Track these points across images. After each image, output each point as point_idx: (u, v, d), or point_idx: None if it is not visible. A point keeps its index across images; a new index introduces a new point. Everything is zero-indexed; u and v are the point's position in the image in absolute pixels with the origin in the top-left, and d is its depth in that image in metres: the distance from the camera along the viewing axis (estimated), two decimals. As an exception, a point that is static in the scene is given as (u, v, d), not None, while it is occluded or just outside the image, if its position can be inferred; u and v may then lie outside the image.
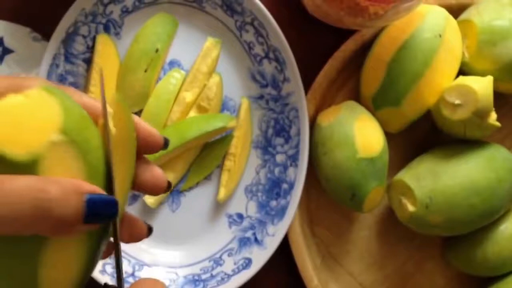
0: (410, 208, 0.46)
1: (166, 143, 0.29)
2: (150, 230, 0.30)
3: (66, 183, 0.22)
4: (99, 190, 0.23)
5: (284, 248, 0.49)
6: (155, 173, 0.29)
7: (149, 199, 0.48)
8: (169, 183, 0.30)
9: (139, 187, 0.29)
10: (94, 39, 0.47)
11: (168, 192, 0.49)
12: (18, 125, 0.22)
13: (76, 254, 0.24)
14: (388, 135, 0.49)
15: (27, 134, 0.23)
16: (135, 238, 0.30)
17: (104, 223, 0.24)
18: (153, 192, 0.29)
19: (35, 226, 0.21)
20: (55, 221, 0.22)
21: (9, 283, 0.23)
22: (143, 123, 0.29)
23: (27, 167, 0.22)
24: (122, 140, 0.27)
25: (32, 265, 0.23)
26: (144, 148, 0.29)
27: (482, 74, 0.47)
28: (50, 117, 0.23)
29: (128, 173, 0.27)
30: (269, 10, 0.47)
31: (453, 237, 0.50)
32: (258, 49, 0.49)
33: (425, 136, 0.52)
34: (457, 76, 0.47)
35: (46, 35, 0.48)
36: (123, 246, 0.48)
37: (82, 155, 0.24)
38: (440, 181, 0.45)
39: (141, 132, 0.28)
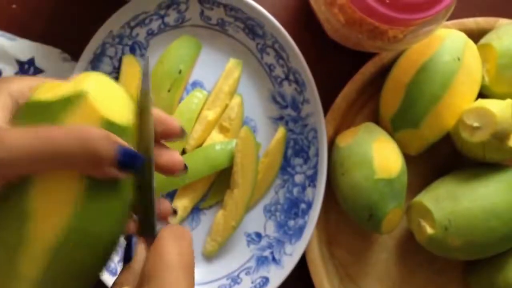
0: (429, 230, 0.46)
1: (183, 132, 0.32)
2: (175, 212, 0.34)
3: (101, 130, 0.25)
4: (127, 145, 0.26)
5: (302, 269, 0.49)
6: (172, 156, 0.31)
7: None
8: (185, 165, 0.32)
9: (158, 168, 0.31)
10: (120, 60, 0.49)
11: (190, 209, 0.50)
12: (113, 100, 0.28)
13: (65, 200, 0.25)
14: (408, 158, 0.49)
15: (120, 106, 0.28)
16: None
17: (132, 171, 0.27)
18: (171, 172, 0.31)
19: (77, 161, 0.24)
20: (94, 157, 0.24)
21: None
22: (161, 112, 0.31)
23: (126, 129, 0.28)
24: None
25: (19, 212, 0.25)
26: (162, 135, 0.31)
27: (502, 97, 0.46)
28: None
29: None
30: (290, 33, 0.48)
31: (474, 261, 0.50)
32: (278, 71, 0.50)
33: (444, 158, 0.52)
34: (477, 99, 0.47)
35: (75, 56, 0.50)
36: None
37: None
38: (460, 203, 0.45)
39: (158, 119, 0.31)
